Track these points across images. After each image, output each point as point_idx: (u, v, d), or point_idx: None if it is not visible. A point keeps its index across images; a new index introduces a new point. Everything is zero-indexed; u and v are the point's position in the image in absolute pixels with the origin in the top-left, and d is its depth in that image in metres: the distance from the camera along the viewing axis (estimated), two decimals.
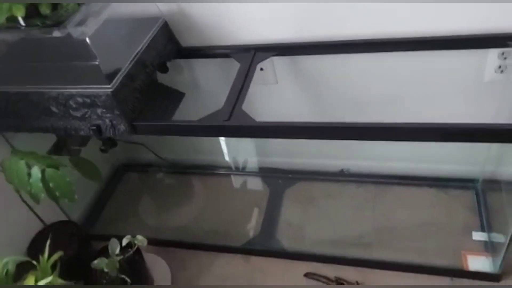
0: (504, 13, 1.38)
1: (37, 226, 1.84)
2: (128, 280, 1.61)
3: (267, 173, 2.25)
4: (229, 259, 1.91)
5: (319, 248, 1.86)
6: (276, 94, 1.85)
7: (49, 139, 1.75)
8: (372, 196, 2.01)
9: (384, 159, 2.00)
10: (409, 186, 2.01)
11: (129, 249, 1.63)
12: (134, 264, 1.68)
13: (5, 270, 1.35)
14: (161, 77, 1.71)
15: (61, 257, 1.46)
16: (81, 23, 1.34)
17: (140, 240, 1.61)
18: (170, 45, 1.66)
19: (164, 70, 1.70)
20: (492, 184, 1.83)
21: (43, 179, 1.43)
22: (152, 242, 1.88)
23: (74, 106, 1.38)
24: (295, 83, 1.79)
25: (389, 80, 1.69)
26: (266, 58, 1.60)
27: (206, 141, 2.16)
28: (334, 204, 2.03)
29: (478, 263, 1.67)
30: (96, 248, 1.75)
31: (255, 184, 2.25)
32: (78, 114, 1.41)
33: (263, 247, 1.93)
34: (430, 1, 1.40)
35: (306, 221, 1.99)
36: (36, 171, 1.43)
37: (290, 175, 2.19)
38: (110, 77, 1.33)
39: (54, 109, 1.42)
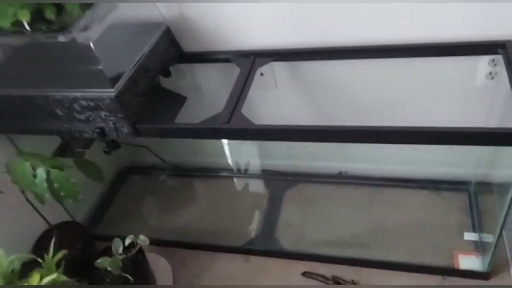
0: (494, 23, 1.42)
1: (42, 227, 1.86)
2: (131, 278, 1.64)
3: (268, 176, 2.28)
4: (230, 259, 1.94)
5: (317, 248, 1.89)
6: (276, 99, 1.88)
7: (54, 141, 1.77)
8: (368, 197, 2.04)
9: (380, 162, 2.04)
10: (404, 188, 2.04)
11: (132, 249, 1.65)
12: (136, 263, 1.70)
13: (11, 268, 1.38)
14: (164, 81, 1.74)
15: (66, 256, 1.48)
16: (85, 28, 1.37)
17: (143, 239, 1.63)
18: (173, 50, 1.69)
19: (167, 74, 1.73)
20: (484, 187, 1.86)
21: (48, 180, 1.46)
22: (155, 242, 1.92)
23: (78, 109, 1.42)
24: (294, 88, 1.83)
25: (386, 86, 1.72)
26: (266, 63, 1.63)
27: (207, 144, 2.18)
28: (332, 206, 2.06)
29: (468, 262, 1.71)
30: (100, 248, 1.78)
31: (256, 186, 2.29)
32: (82, 117, 1.44)
33: (263, 247, 1.95)
34: (426, 10, 1.44)
35: (305, 222, 2.02)
36: (41, 172, 1.46)
37: (289, 177, 2.22)
38: (113, 81, 1.36)
39: (58, 112, 1.45)
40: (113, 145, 1.56)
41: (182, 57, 1.75)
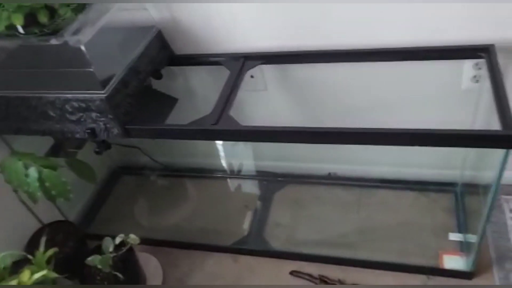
0: (479, 27, 1.47)
1: (35, 226, 1.88)
2: (121, 276, 1.66)
3: (258, 177, 2.30)
4: (219, 258, 1.96)
5: (305, 247, 1.92)
6: (266, 101, 1.91)
7: (48, 142, 1.80)
8: (357, 198, 2.06)
9: (369, 164, 2.06)
10: (392, 189, 2.06)
11: (123, 248, 1.67)
12: (127, 261, 1.72)
13: (2, 265, 1.41)
14: (156, 84, 1.77)
15: (58, 255, 1.51)
16: (77, 31, 1.40)
17: (133, 238, 1.65)
18: (163, 53, 1.72)
19: (159, 76, 1.74)
20: (471, 188, 1.88)
21: (40, 179, 1.49)
22: (146, 241, 1.94)
23: (70, 110, 1.45)
24: (284, 90, 1.86)
25: (373, 89, 1.76)
26: (254, 66, 1.66)
27: (198, 145, 2.20)
28: (321, 206, 2.08)
29: (453, 262, 1.73)
30: (92, 247, 1.80)
31: (246, 186, 2.31)
32: (74, 118, 1.47)
33: (252, 247, 1.97)
34: (413, 15, 1.48)
35: (294, 222, 2.04)
36: (33, 171, 1.50)
37: (279, 178, 2.24)
38: (104, 83, 1.39)
39: (51, 113, 1.48)
40: (103, 146, 1.58)
41: (174, 59, 1.78)
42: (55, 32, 1.41)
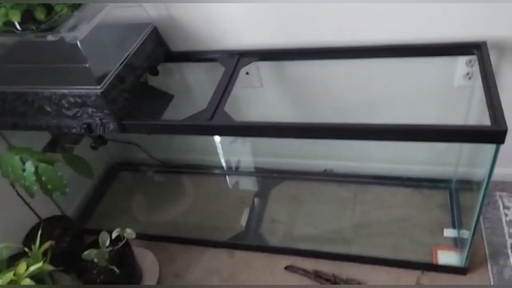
0: (471, 24, 1.48)
1: (33, 221, 1.90)
2: (117, 270, 1.68)
3: (254, 173, 2.31)
4: (215, 253, 1.97)
5: (300, 243, 1.93)
6: (262, 97, 1.92)
7: (46, 138, 1.81)
8: (352, 195, 2.08)
9: (364, 160, 2.07)
10: (387, 185, 2.08)
11: (119, 242, 1.68)
12: (123, 255, 1.74)
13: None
14: (152, 80, 1.78)
15: (55, 249, 1.54)
16: (73, 28, 1.42)
17: (129, 233, 1.66)
18: (159, 50, 1.73)
19: (155, 73, 1.76)
20: (465, 184, 1.89)
21: (36, 173, 1.51)
22: (143, 237, 1.97)
23: (66, 105, 1.46)
24: (279, 87, 1.87)
25: (367, 85, 1.77)
26: (249, 63, 1.67)
27: (195, 141, 2.22)
28: (317, 202, 2.10)
29: (447, 257, 1.75)
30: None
31: (243, 183, 2.31)
32: (70, 113, 1.48)
33: (248, 242, 1.99)
34: (406, 12, 1.49)
35: (289, 218, 2.06)
36: (29, 166, 1.51)
37: (276, 175, 2.26)
38: (100, 78, 1.41)
39: (48, 108, 1.49)
40: (99, 141, 1.60)
41: (170, 56, 1.79)
42: (52, 29, 1.43)
